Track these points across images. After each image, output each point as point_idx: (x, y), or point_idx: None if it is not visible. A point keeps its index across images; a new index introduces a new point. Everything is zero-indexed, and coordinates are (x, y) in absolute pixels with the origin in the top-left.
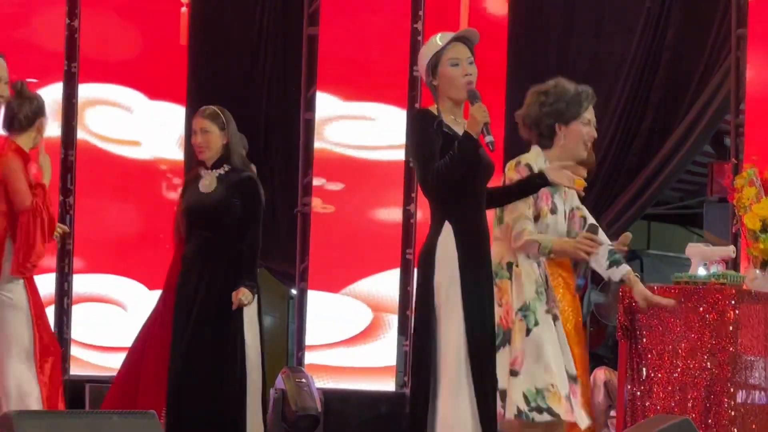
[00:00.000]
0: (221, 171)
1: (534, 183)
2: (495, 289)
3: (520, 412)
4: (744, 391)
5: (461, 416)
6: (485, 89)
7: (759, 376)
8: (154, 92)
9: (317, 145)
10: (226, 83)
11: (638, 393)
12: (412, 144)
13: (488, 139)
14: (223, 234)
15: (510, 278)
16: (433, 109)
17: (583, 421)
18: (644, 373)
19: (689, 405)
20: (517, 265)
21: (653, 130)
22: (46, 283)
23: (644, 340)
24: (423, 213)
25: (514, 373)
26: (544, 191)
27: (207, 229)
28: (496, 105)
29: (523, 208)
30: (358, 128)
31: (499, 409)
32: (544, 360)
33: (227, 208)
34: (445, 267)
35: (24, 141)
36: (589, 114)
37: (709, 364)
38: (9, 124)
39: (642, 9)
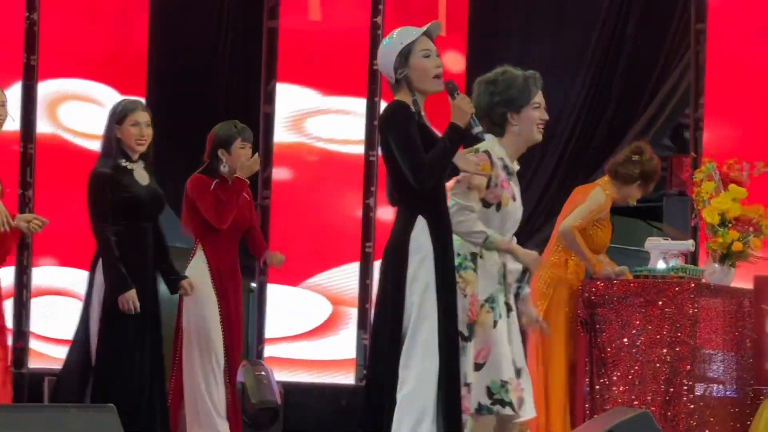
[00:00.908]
0: (143, 164)
1: (445, 145)
2: (459, 281)
3: (481, 407)
4: (703, 384)
5: (426, 410)
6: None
7: (717, 369)
8: (125, 88)
9: (278, 138)
10: (185, 77)
11: (597, 386)
12: (396, 138)
13: (477, 129)
14: (157, 225)
15: (475, 269)
16: (407, 101)
17: (529, 413)
18: (603, 366)
19: (649, 398)
20: (481, 256)
21: (613, 124)
22: (4, 276)
23: (604, 333)
24: (383, 207)
25: (478, 366)
26: (502, 178)
27: (151, 219)
28: None
29: (475, 194)
30: (320, 121)
31: (466, 404)
32: (507, 352)
33: (164, 199)
34: (419, 262)
35: None
36: (539, 98)
37: (668, 357)
38: None
39: (603, 3)
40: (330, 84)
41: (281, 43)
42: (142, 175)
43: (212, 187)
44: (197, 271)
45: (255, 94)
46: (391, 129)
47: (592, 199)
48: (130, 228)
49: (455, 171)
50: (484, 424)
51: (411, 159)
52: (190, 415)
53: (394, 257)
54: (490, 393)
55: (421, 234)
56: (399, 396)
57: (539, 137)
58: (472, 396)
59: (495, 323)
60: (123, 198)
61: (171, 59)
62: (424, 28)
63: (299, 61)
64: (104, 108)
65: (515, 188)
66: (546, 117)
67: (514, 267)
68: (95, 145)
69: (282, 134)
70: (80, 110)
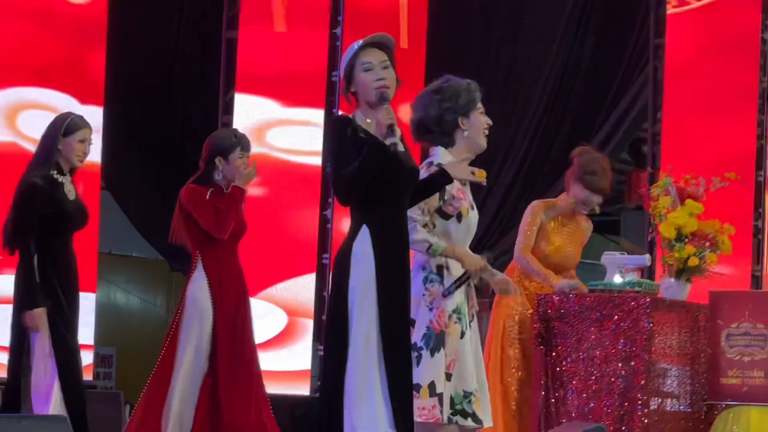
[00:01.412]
0: (70, 178)
1: (437, 181)
2: (426, 294)
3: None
4: (657, 398)
5: (373, 419)
6: (404, 98)
7: (672, 384)
8: (83, 97)
9: None
10: (144, 86)
11: (553, 399)
12: (328, 150)
13: (389, 140)
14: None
15: (441, 282)
16: (353, 115)
17: (486, 423)
18: (559, 380)
19: (603, 412)
20: (447, 268)
21: (571, 138)
22: None
23: (559, 347)
24: (341, 218)
25: (447, 376)
26: (459, 189)
27: (75, 233)
28: None
29: (431, 203)
30: (279, 132)
31: (437, 414)
32: (471, 363)
33: (88, 214)
34: (360, 271)
35: None
36: (481, 104)
37: (623, 371)
38: None
39: (562, 17)
40: (289, 95)
41: (240, 54)
42: (70, 190)
43: (207, 196)
44: (196, 284)
45: (213, 104)
46: (327, 142)
47: (524, 217)
48: (58, 242)
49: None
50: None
51: (332, 172)
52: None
53: (337, 267)
54: (452, 403)
55: (364, 244)
56: (346, 409)
57: (485, 144)
58: (444, 407)
59: (462, 334)
60: (53, 212)
61: (129, 69)
62: (361, 42)
63: (258, 72)
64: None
65: (470, 196)
66: (490, 122)
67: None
68: None
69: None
70: (39, 119)
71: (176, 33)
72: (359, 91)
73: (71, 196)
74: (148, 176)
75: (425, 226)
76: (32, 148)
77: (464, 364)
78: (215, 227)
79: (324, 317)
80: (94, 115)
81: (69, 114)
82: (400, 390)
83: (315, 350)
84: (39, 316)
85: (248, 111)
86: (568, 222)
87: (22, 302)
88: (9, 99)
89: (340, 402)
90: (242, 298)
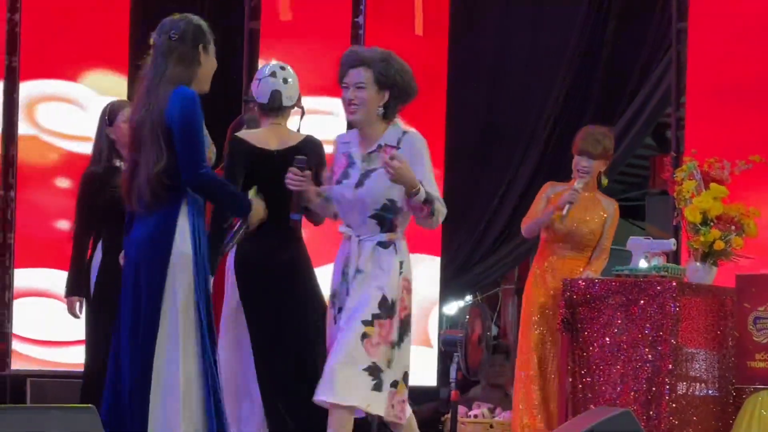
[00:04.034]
0: None
1: None
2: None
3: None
4: (685, 383)
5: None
6: (426, 88)
7: (699, 368)
8: (105, 89)
9: None
10: None
11: (580, 385)
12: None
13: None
14: None
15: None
16: None
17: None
18: (585, 365)
19: (631, 397)
20: None
21: (594, 123)
22: None
23: (585, 332)
24: None
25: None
26: None
27: None
28: (437, 104)
29: None
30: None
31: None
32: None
33: None
34: None
35: None
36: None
37: (650, 356)
38: None
39: (582, 1)
40: (310, 84)
41: (262, 44)
42: None
43: None
44: None
45: (237, 96)
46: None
47: None
48: (117, 228)
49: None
50: (338, 418)
51: None
52: None
53: None
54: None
55: None
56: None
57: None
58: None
59: (335, 319)
60: (112, 197)
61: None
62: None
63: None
64: (83, 109)
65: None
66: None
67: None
68: (75, 146)
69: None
70: (59, 111)
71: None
72: None
73: None
74: None
75: None
76: (52, 140)
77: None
78: None
79: None
80: None
81: (108, 104)
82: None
83: None
84: (69, 302)
85: None
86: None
87: (67, 287)
88: (29, 91)
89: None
90: None
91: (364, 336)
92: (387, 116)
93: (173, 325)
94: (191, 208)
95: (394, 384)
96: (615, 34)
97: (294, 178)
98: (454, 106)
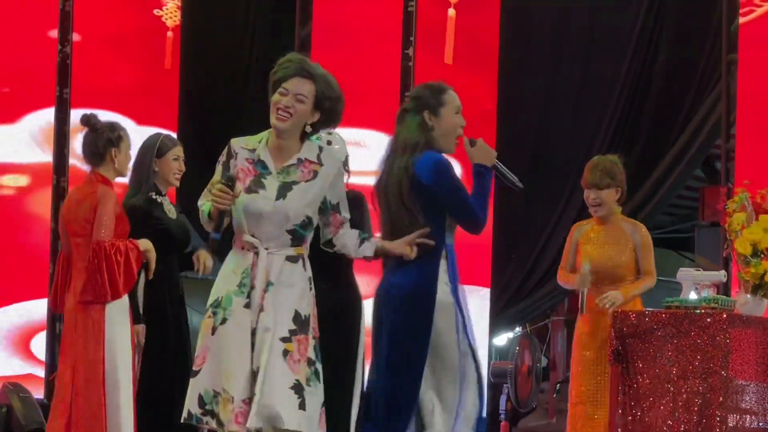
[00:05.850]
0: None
1: None
2: None
3: (190, 415)
4: (735, 416)
5: None
6: (473, 120)
7: (750, 400)
8: (142, 118)
9: None
10: (215, 109)
11: (630, 417)
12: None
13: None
14: None
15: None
16: None
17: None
18: (635, 397)
19: (681, 429)
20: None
21: (644, 155)
22: (36, 309)
23: (636, 364)
24: None
25: (194, 373)
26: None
27: (180, 252)
28: (487, 137)
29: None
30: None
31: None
32: (228, 362)
33: (191, 233)
34: None
35: (105, 171)
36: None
37: (700, 388)
38: (86, 155)
39: (633, 33)
40: (358, 116)
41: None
42: (170, 209)
43: None
44: None
45: None
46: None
47: None
48: (165, 261)
49: None
50: None
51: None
52: None
53: None
54: (202, 403)
55: None
56: None
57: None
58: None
59: (214, 330)
60: (156, 231)
61: (202, 88)
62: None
63: None
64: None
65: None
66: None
67: None
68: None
69: None
70: None
71: (248, 55)
72: None
73: (172, 215)
74: None
75: None
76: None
77: (216, 361)
78: None
79: None
80: None
81: (158, 135)
82: None
83: None
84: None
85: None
86: (603, 230)
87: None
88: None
89: None
90: None
91: (286, 353)
92: (309, 135)
93: None
94: None
95: (322, 405)
96: (665, 66)
97: (223, 197)
98: (503, 138)
